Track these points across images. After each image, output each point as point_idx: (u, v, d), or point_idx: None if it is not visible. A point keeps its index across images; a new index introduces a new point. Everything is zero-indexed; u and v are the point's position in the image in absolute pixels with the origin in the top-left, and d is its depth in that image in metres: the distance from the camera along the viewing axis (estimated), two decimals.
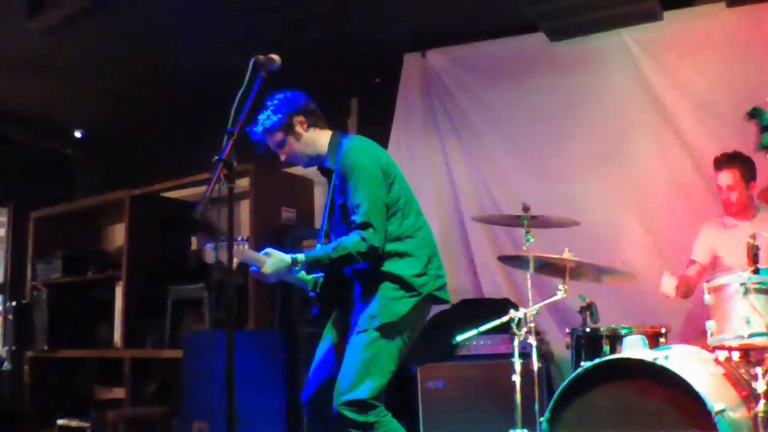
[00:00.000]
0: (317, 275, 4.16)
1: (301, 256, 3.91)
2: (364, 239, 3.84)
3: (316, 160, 4.22)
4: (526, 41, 6.55)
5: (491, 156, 6.65)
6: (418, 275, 4.00)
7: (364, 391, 3.77)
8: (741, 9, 5.75)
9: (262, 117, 4.08)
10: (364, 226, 3.85)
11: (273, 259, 3.91)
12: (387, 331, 3.87)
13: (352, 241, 3.85)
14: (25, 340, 8.24)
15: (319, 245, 4.14)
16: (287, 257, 3.91)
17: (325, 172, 4.22)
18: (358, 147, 4.08)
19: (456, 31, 6.77)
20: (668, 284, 4.97)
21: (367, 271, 3.99)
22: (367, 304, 3.95)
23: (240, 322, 6.54)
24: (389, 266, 3.98)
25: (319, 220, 4.60)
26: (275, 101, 4.11)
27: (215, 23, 6.39)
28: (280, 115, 4.08)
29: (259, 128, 4.09)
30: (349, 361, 3.87)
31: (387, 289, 3.95)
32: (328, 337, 4.23)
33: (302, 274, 4.08)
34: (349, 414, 3.75)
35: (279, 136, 4.10)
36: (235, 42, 6.46)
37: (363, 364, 3.83)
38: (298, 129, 4.11)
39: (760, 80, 5.63)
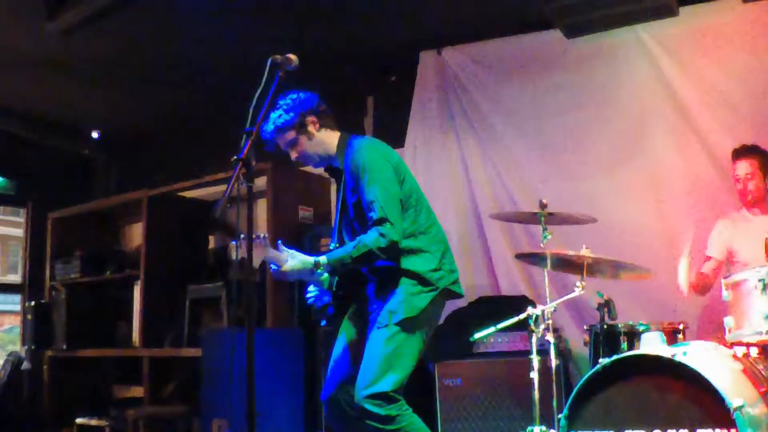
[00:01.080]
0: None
1: (323, 259, 3.96)
2: (383, 235, 3.89)
3: (325, 161, 4.27)
4: (542, 38, 6.54)
5: (508, 153, 6.64)
6: (435, 270, 4.09)
7: (387, 384, 3.83)
8: (756, 4, 5.73)
9: (274, 116, 4.11)
10: (381, 221, 3.91)
11: (295, 261, 3.97)
12: (407, 325, 3.94)
13: (371, 238, 3.89)
14: (44, 339, 8.27)
15: (333, 245, 4.19)
16: (310, 260, 3.97)
17: (335, 172, 4.29)
18: (368, 146, 4.15)
19: (472, 29, 6.77)
20: (683, 276, 4.94)
21: (384, 268, 4.03)
22: (385, 300, 4.00)
23: (259, 320, 6.56)
24: (406, 263, 4.04)
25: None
26: (288, 101, 4.15)
27: (232, 23, 6.40)
28: (292, 114, 4.13)
29: (270, 126, 4.12)
30: (371, 356, 3.92)
31: (406, 284, 4.01)
32: (343, 336, 4.28)
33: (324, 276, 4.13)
34: (372, 407, 3.80)
35: (291, 135, 4.14)
36: (253, 42, 6.48)
37: (385, 358, 3.88)
38: (310, 129, 4.16)
39: None
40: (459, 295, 4.25)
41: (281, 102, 4.13)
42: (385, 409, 3.81)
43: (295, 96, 4.18)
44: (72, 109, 8.67)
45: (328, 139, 4.23)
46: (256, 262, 3.71)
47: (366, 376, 3.88)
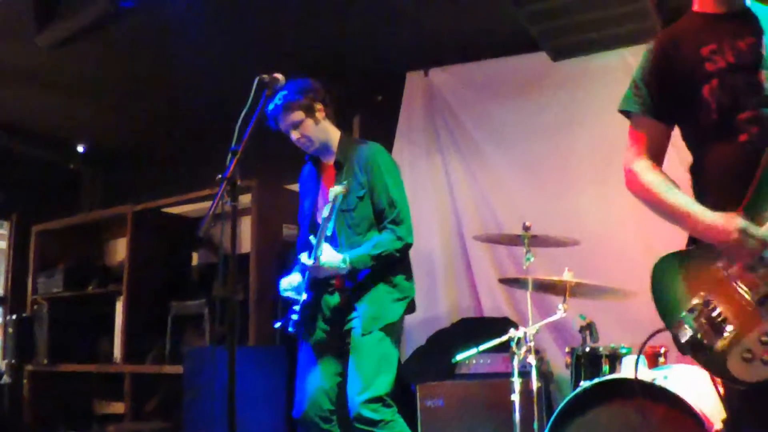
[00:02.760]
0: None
1: (347, 256, 4.02)
2: (400, 238, 4.10)
3: (321, 150, 4.36)
4: (528, 60, 6.57)
5: (493, 174, 6.66)
6: (407, 279, 4.25)
7: (381, 387, 3.94)
8: None
9: (283, 93, 4.16)
10: (399, 222, 4.10)
11: (330, 253, 4.02)
12: (389, 330, 4.07)
13: (389, 239, 4.08)
14: (25, 353, 8.21)
15: (327, 231, 4.13)
16: (339, 256, 4.02)
17: (320, 163, 4.43)
18: (385, 150, 4.36)
19: (459, 50, 6.80)
20: None
21: (367, 276, 4.12)
22: (364, 306, 4.09)
23: (241, 338, 6.54)
24: (387, 270, 4.15)
25: None
26: (299, 83, 4.24)
27: (219, 41, 6.41)
28: (303, 95, 4.22)
29: (279, 101, 4.19)
30: (360, 363, 3.99)
31: (384, 291, 4.14)
32: (307, 352, 4.32)
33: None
34: (369, 413, 3.88)
35: (299, 115, 4.22)
36: (240, 61, 6.48)
37: (375, 363, 3.99)
38: (318, 114, 4.26)
39: None
40: (413, 309, 4.36)
41: (293, 84, 4.19)
42: (380, 413, 3.89)
43: (307, 81, 4.29)
44: (58, 122, 8.65)
45: (331, 130, 4.36)
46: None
47: (359, 382, 3.94)
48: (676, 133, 5.78)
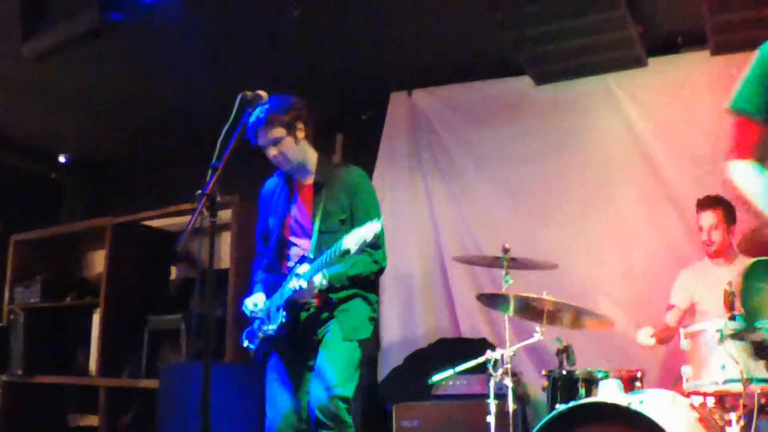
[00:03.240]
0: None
1: (325, 272, 4.00)
2: (376, 262, 4.15)
3: (297, 170, 4.33)
4: (512, 84, 6.62)
5: (474, 196, 6.68)
6: (377, 302, 4.34)
7: (350, 390, 4.01)
8: (725, 57, 5.81)
9: (266, 107, 4.08)
10: (377, 247, 4.13)
11: (316, 274, 3.99)
12: (364, 345, 4.15)
13: (366, 262, 4.12)
14: (0, 364, 8.16)
15: (309, 255, 4.12)
16: (319, 274, 4.01)
17: (294, 182, 4.39)
18: (366, 176, 4.41)
19: (443, 72, 6.83)
20: (644, 337, 5.02)
21: (345, 293, 4.15)
22: (343, 318, 4.12)
23: (217, 354, 6.51)
24: (364, 288, 4.23)
25: None
26: (284, 100, 4.21)
27: (204, 56, 6.42)
28: (287, 113, 4.18)
29: (261, 114, 4.12)
30: (335, 362, 4.03)
31: (363, 307, 4.20)
32: (277, 372, 4.28)
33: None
34: (336, 409, 3.92)
35: (279, 132, 4.17)
36: (224, 76, 6.50)
37: (349, 367, 4.05)
38: (299, 134, 4.23)
39: None
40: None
41: (277, 99, 4.16)
42: (344, 414, 3.94)
43: (291, 99, 4.25)
44: (41, 132, 8.62)
45: (309, 151, 4.33)
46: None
47: (332, 377, 3.97)
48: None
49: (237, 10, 5.75)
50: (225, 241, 6.94)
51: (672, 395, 4.17)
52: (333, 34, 6.12)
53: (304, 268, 3.98)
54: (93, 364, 7.91)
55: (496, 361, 4.48)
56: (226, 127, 3.39)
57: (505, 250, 4.87)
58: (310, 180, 4.33)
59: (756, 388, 3.76)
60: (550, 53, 5.92)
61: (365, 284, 4.21)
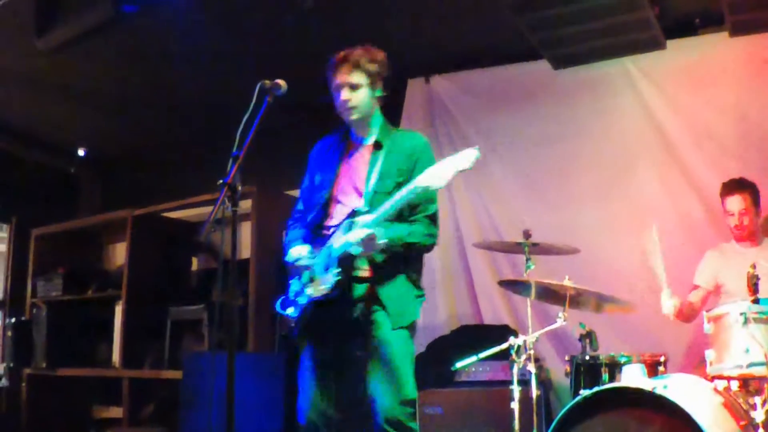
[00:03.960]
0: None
1: (384, 231, 3.79)
2: (432, 234, 3.99)
3: (359, 124, 4.13)
4: (529, 68, 6.59)
5: (493, 182, 6.66)
6: (420, 279, 4.10)
7: (413, 389, 3.85)
8: (744, 38, 5.77)
9: (358, 53, 4.04)
10: (434, 220, 4.01)
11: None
12: (413, 329, 3.95)
13: (423, 232, 3.95)
14: (23, 357, 8.21)
15: (362, 209, 3.90)
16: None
17: (348, 138, 4.21)
18: (430, 145, 4.21)
19: (460, 58, 6.82)
20: (668, 303, 4.97)
21: (390, 267, 3.94)
22: (389, 301, 3.90)
23: (240, 344, 6.53)
24: (407, 264, 4.01)
25: None
26: (377, 53, 4.10)
27: (220, 46, 6.42)
28: (376, 67, 4.05)
29: (352, 58, 4.03)
30: (392, 362, 3.83)
31: (406, 287, 3.98)
32: (312, 361, 4.08)
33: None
34: (406, 418, 3.78)
35: (361, 79, 4.03)
36: (240, 66, 6.50)
37: (407, 363, 3.87)
38: (377, 89, 4.07)
39: (763, 109, 5.67)
40: None
41: (369, 48, 4.09)
42: (412, 421, 3.80)
43: (382, 53, 4.12)
44: (59, 126, 8.66)
45: (377, 112, 4.16)
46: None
47: (392, 382, 3.80)
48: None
49: (250, 1, 5.75)
50: (245, 231, 6.95)
51: (696, 379, 4.15)
52: (347, 23, 6.10)
53: (364, 218, 3.76)
54: (116, 356, 7.96)
55: (518, 347, 4.46)
56: (246, 116, 3.38)
57: (527, 235, 4.85)
58: (370, 139, 4.15)
59: None
60: (566, 36, 5.88)
61: (411, 259, 4.04)
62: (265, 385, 6.00)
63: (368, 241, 3.71)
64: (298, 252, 4.04)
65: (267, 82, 3.54)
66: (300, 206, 4.32)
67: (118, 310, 8.02)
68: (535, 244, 4.87)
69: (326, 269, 3.88)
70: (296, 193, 4.61)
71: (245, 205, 6.83)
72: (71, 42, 6.10)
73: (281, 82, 3.56)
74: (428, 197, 3.98)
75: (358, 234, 3.71)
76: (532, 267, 4.82)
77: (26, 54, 6.43)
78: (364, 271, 3.92)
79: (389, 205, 3.71)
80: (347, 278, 3.85)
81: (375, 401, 3.82)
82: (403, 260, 3.97)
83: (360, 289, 3.93)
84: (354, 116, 4.07)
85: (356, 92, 4.02)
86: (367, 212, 3.82)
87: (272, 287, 6.59)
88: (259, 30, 6.20)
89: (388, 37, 6.29)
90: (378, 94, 4.09)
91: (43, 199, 9.26)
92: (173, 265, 7.95)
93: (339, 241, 3.83)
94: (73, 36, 6.02)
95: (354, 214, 3.86)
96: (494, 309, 6.46)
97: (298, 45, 6.38)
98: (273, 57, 6.54)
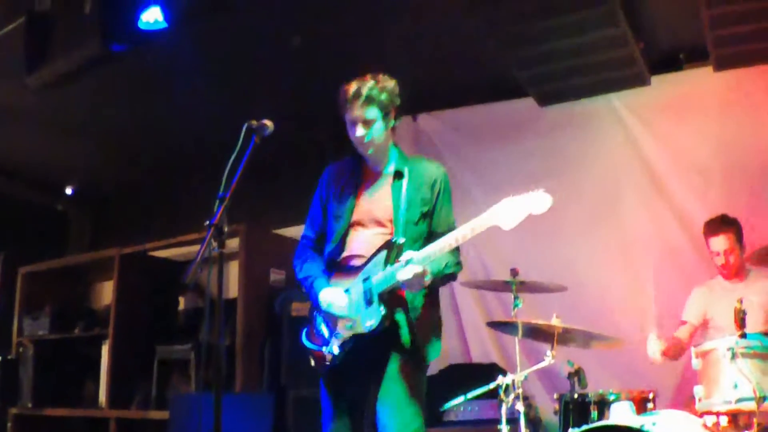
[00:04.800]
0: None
1: (427, 267, 3.70)
2: (460, 263, 3.99)
3: (375, 156, 4.03)
4: (515, 105, 6.62)
5: None
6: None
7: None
8: (728, 73, 5.81)
9: (370, 84, 3.94)
10: (457, 249, 3.88)
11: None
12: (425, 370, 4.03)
13: (454, 261, 3.93)
14: (9, 396, 8.14)
15: (398, 240, 3.82)
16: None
17: (364, 168, 4.12)
18: (447, 173, 4.15)
19: (447, 95, 6.85)
20: (654, 347, 4.97)
21: (423, 308, 3.91)
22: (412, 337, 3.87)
23: (227, 383, 6.49)
24: (435, 307, 4.05)
25: None
26: (390, 84, 4.01)
27: (208, 86, 6.45)
28: (388, 99, 3.96)
29: (365, 91, 3.91)
30: (406, 398, 3.88)
31: (433, 326, 4.03)
32: (333, 408, 3.98)
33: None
34: None
35: (374, 113, 3.91)
36: (229, 106, 6.52)
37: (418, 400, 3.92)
38: (390, 121, 3.99)
39: (748, 143, 5.71)
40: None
41: (379, 78, 4.00)
42: None
43: (393, 83, 4.04)
44: (47, 163, 8.67)
45: (390, 141, 4.07)
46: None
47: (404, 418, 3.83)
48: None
49: (238, 40, 5.78)
50: (233, 269, 6.93)
51: (684, 416, 4.14)
52: (335, 62, 6.13)
53: (410, 255, 3.64)
54: (102, 396, 7.90)
55: (507, 386, 4.45)
56: (233, 157, 3.37)
57: (514, 274, 4.84)
58: (389, 168, 4.07)
59: None
60: (551, 73, 5.92)
61: (436, 295, 4.03)
62: (253, 426, 5.95)
63: (420, 278, 3.64)
64: (337, 301, 3.89)
65: (254, 122, 3.52)
66: (310, 233, 4.22)
67: (105, 349, 7.96)
68: (522, 283, 4.87)
69: (368, 304, 3.80)
70: (285, 231, 4.62)
71: (233, 243, 6.83)
72: (61, 80, 6.10)
73: (268, 122, 3.54)
74: (450, 225, 3.95)
75: (410, 270, 3.61)
76: (520, 305, 4.80)
77: (16, 91, 6.43)
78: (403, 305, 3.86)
79: (447, 243, 3.67)
80: (391, 312, 3.78)
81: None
82: (431, 295, 3.95)
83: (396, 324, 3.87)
84: (367, 150, 3.99)
85: (372, 128, 3.93)
86: (403, 245, 3.77)
87: (260, 326, 6.59)
88: (247, 68, 6.23)
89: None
90: (392, 124, 4.03)
91: (31, 237, 9.24)
92: (160, 304, 7.92)
93: (379, 275, 3.76)
94: (63, 74, 6.02)
95: (391, 246, 3.79)
96: (483, 347, 6.45)
97: (285, 83, 6.41)
98: (262, 95, 6.56)
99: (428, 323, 3.94)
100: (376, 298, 3.75)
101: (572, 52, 5.62)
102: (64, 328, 8.29)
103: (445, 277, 3.93)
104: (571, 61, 5.74)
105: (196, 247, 3.18)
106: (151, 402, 7.21)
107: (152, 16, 5.17)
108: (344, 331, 3.88)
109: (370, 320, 3.75)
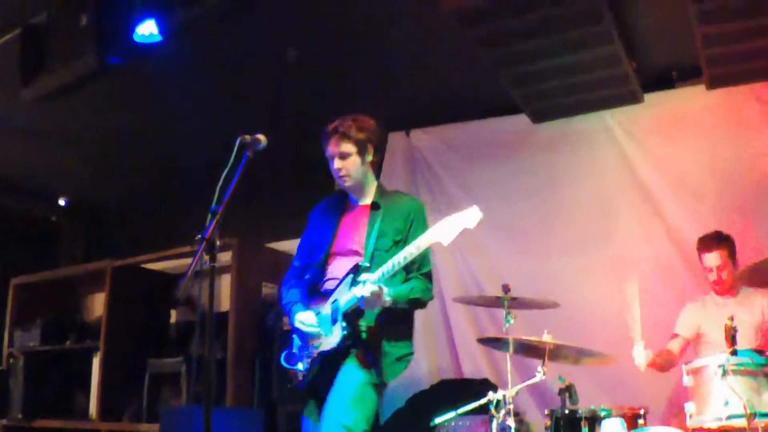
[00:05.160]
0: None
1: (390, 290, 3.93)
2: (430, 290, 4.16)
3: (355, 189, 4.32)
4: (509, 122, 6.63)
5: (473, 235, 6.57)
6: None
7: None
8: (721, 91, 5.84)
9: (346, 124, 4.19)
10: (429, 277, 4.17)
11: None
12: (381, 390, 4.03)
13: (422, 288, 4.11)
14: None
15: (364, 264, 4.02)
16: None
17: (346, 201, 4.39)
18: (424, 207, 4.38)
19: (440, 112, 6.86)
20: (639, 355, 4.95)
21: (395, 326, 4.12)
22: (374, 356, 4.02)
23: (218, 398, 6.48)
24: (404, 330, 4.22)
25: None
26: (367, 123, 4.26)
27: (203, 100, 6.46)
28: (365, 135, 4.22)
29: (338, 129, 4.18)
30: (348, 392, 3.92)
31: (401, 344, 4.16)
32: (316, 410, 4.12)
33: None
34: None
35: (350, 149, 4.18)
36: (223, 121, 6.52)
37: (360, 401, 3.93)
38: (367, 156, 4.25)
39: (740, 161, 5.73)
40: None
41: (359, 118, 4.24)
42: None
43: (371, 121, 4.29)
44: (40, 174, 8.66)
45: (370, 176, 4.35)
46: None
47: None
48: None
49: (234, 54, 5.80)
50: (225, 283, 6.94)
51: None
52: (330, 77, 6.16)
53: (369, 276, 3.85)
54: (93, 408, 7.88)
55: (498, 401, 4.44)
56: (226, 171, 3.38)
57: (506, 290, 4.84)
58: (366, 201, 4.33)
59: (760, 423, 3.75)
60: (545, 91, 5.94)
61: (406, 317, 4.22)
62: None
63: (376, 297, 3.83)
64: (307, 319, 4.12)
65: (247, 137, 3.55)
66: (296, 262, 4.48)
67: (96, 361, 7.94)
68: (514, 299, 4.87)
69: (333, 323, 4.02)
70: (278, 245, 4.64)
71: (225, 257, 6.83)
72: (55, 92, 6.11)
73: (261, 137, 3.58)
74: (424, 255, 4.10)
75: (366, 289, 3.80)
76: (512, 321, 4.80)
77: (10, 103, 6.44)
78: (367, 325, 4.04)
79: (396, 261, 3.84)
80: (354, 331, 3.98)
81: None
82: (399, 317, 4.12)
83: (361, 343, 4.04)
84: (347, 183, 4.26)
85: (346, 161, 4.19)
86: (369, 268, 3.95)
87: (252, 340, 6.59)
88: (242, 82, 6.24)
89: (369, 91, 6.39)
90: (368, 159, 4.26)
91: (23, 248, 9.21)
92: (152, 317, 7.91)
93: (345, 296, 3.97)
94: (58, 86, 6.02)
95: (357, 269, 3.98)
96: (474, 363, 6.43)
97: (282, 99, 6.42)
98: (255, 109, 6.58)
99: (380, 334, 4.05)
100: (340, 317, 3.97)
101: (566, 70, 5.64)
102: (55, 339, 8.26)
103: (411, 302, 4.10)
104: (565, 79, 5.77)
105: (188, 260, 3.18)
106: (141, 415, 7.19)
107: (147, 29, 5.19)
108: (313, 350, 4.12)
109: (333, 338, 3.99)
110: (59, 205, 9.46)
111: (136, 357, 7.43)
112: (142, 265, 8.00)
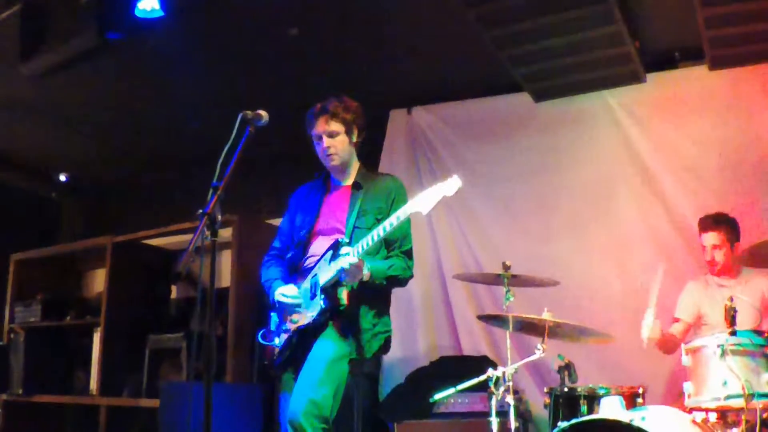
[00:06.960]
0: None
1: (368, 264, 4.02)
2: (409, 268, 4.23)
3: (339, 169, 4.42)
4: (510, 101, 6.62)
5: (474, 213, 6.67)
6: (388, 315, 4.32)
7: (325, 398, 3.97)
8: (723, 72, 5.83)
9: (336, 103, 4.32)
10: (410, 255, 4.27)
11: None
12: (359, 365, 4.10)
13: (402, 266, 4.20)
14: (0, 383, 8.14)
15: (344, 240, 4.11)
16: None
17: (329, 181, 4.50)
18: (405, 188, 4.46)
19: (442, 90, 6.85)
20: (648, 324, 4.94)
21: (374, 298, 4.19)
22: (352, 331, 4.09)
23: (218, 374, 6.49)
24: (385, 304, 4.29)
25: None
26: (352, 102, 4.39)
27: (204, 75, 6.45)
28: (353, 116, 4.35)
29: (326, 108, 4.30)
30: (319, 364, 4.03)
31: (378, 321, 4.19)
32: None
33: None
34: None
35: (339, 128, 4.31)
36: (224, 97, 6.52)
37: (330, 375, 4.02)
38: (354, 137, 4.38)
39: (741, 142, 5.72)
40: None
41: (344, 99, 4.37)
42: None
43: (355, 102, 4.41)
44: (41, 151, 8.65)
45: (354, 157, 4.46)
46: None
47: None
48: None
49: (236, 29, 5.78)
50: (225, 259, 6.94)
51: (674, 411, 4.15)
52: (331, 54, 6.14)
53: (349, 249, 3.93)
54: (93, 384, 7.89)
55: (497, 378, 4.45)
56: (227, 146, 3.39)
57: (506, 267, 4.84)
58: (348, 182, 4.44)
59: (758, 404, 3.76)
60: (547, 70, 5.93)
61: (384, 294, 4.28)
62: (244, 416, 5.97)
63: (355, 269, 3.89)
64: (288, 291, 4.20)
65: (248, 112, 3.56)
66: (277, 244, 4.59)
67: (97, 337, 7.95)
68: (514, 276, 4.88)
69: (312, 297, 4.10)
70: (278, 222, 4.64)
71: (226, 233, 6.82)
72: (56, 68, 6.09)
73: (262, 112, 3.58)
74: (404, 233, 4.24)
75: (347, 260, 3.86)
76: (512, 299, 4.81)
77: (10, 79, 6.42)
78: (345, 299, 4.08)
79: (376, 233, 3.90)
80: (332, 306, 4.04)
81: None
82: (377, 294, 4.19)
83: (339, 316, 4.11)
84: (335, 162, 4.36)
85: (335, 140, 4.30)
86: (349, 244, 4.01)
87: (252, 316, 6.60)
88: (243, 58, 6.22)
89: (371, 69, 6.38)
90: (354, 140, 4.38)
91: (24, 224, 9.21)
92: (152, 293, 7.91)
93: (325, 270, 4.04)
94: (58, 62, 6.01)
95: (337, 245, 4.04)
96: (474, 340, 6.45)
97: (282, 74, 6.41)
98: (256, 86, 6.56)
99: (357, 308, 4.12)
100: (318, 292, 4.06)
101: (568, 50, 5.63)
102: (55, 316, 8.28)
103: (390, 279, 4.16)
104: (566, 59, 5.76)
105: (189, 236, 3.17)
106: (142, 390, 7.20)
107: (149, 4, 5.18)
108: (290, 325, 4.21)
109: (311, 311, 4.09)
110: (59, 181, 9.44)
111: (137, 333, 7.44)
112: (143, 241, 7.99)
